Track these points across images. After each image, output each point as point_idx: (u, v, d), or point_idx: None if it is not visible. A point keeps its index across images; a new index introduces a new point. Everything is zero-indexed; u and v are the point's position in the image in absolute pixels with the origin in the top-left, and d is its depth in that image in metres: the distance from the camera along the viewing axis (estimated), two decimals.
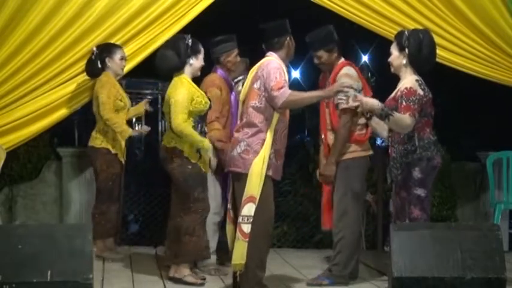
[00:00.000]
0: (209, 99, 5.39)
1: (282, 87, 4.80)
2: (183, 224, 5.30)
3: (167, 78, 5.44)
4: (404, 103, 4.92)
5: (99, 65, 6.10)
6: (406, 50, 5.03)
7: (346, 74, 5.36)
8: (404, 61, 5.05)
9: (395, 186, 5.13)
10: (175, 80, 5.29)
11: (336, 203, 5.45)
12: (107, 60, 6.10)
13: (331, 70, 5.49)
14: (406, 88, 4.96)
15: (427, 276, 4.44)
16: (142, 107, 6.48)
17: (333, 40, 5.46)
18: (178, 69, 5.28)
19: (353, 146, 5.38)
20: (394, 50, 5.10)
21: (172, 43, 5.33)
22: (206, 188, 5.39)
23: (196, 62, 5.31)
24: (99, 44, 6.11)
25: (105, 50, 6.09)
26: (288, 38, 5.00)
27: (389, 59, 5.13)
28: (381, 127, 5.21)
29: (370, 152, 5.54)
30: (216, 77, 5.84)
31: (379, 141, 7.20)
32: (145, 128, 6.50)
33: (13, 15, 5.93)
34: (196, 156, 5.29)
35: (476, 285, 4.44)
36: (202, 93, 5.36)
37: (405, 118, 4.89)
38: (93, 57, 6.07)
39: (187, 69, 5.30)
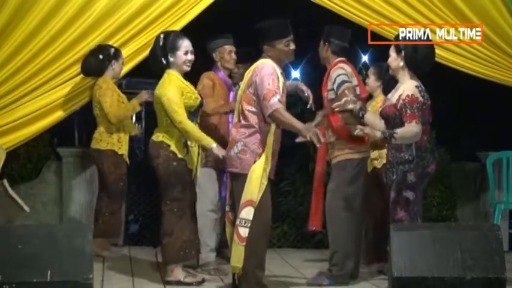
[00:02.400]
0: (201, 97, 5.39)
1: (272, 97, 4.77)
2: (161, 226, 5.30)
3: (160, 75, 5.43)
4: (409, 111, 4.91)
5: (106, 66, 6.12)
6: (403, 53, 5.03)
7: (338, 67, 5.44)
8: (401, 63, 5.06)
9: (390, 189, 5.13)
10: (164, 76, 5.28)
11: (327, 203, 5.47)
12: (113, 62, 6.12)
13: (325, 64, 5.57)
14: (407, 96, 4.95)
15: (427, 276, 4.45)
16: (143, 96, 6.24)
17: (333, 37, 5.50)
18: (159, 66, 5.28)
19: (349, 147, 5.38)
20: (392, 52, 5.11)
21: (154, 42, 5.35)
22: (187, 188, 5.31)
23: (175, 59, 5.26)
24: (100, 44, 6.11)
25: (116, 51, 6.11)
26: (264, 46, 4.93)
27: (388, 61, 5.14)
28: (374, 125, 5.22)
29: (366, 155, 5.53)
30: (212, 74, 5.91)
31: None
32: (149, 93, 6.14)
33: (13, 15, 5.93)
34: (183, 151, 5.26)
35: (476, 285, 4.45)
36: (193, 89, 5.35)
37: (412, 127, 4.88)
38: (100, 56, 6.05)
39: (172, 66, 5.29)
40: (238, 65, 6.02)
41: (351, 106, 5.08)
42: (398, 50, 5.06)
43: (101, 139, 6.21)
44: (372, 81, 6.02)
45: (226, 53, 5.92)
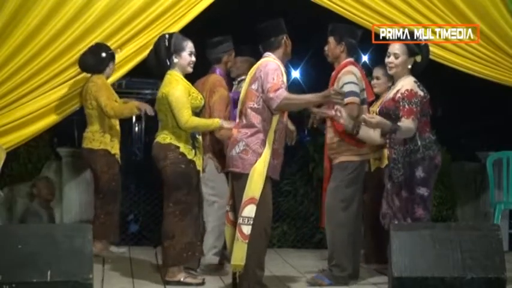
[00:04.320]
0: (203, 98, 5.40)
1: (278, 89, 4.81)
2: (163, 228, 5.30)
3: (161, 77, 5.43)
4: (407, 106, 4.91)
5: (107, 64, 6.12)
6: (417, 58, 5.03)
7: (349, 71, 5.38)
8: (409, 66, 5.06)
9: (394, 187, 5.12)
10: (168, 77, 5.27)
11: (326, 203, 5.46)
12: (111, 63, 6.15)
13: (334, 64, 5.52)
14: (407, 90, 4.95)
15: (427, 276, 4.45)
16: (145, 106, 6.09)
17: (347, 35, 5.48)
18: (160, 68, 5.28)
19: (350, 149, 5.37)
20: (403, 54, 5.07)
21: (156, 43, 5.34)
22: (192, 191, 5.31)
23: (180, 60, 5.26)
24: (98, 42, 6.10)
25: (114, 53, 6.12)
26: (284, 37, 5.01)
27: (394, 62, 5.08)
28: (370, 137, 5.25)
29: (366, 157, 5.52)
30: (220, 77, 5.87)
31: None
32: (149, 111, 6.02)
33: (13, 15, 5.92)
34: (192, 153, 5.27)
35: (476, 285, 4.45)
36: (195, 90, 5.34)
37: (409, 124, 4.89)
38: (103, 54, 6.05)
39: (175, 67, 5.29)
40: (238, 58, 6.02)
41: (343, 122, 5.10)
42: (412, 53, 5.05)
43: (93, 138, 6.20)
44: (384, 82, 5.97)
45: (232, 56, 5.95)
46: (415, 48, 5.06)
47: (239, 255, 4.84)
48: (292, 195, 7.32)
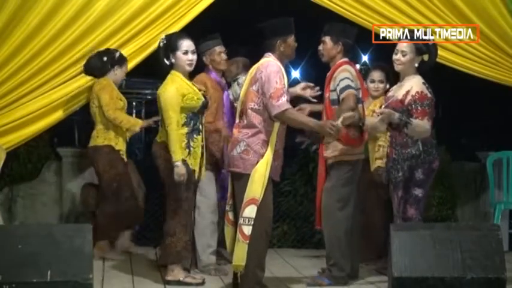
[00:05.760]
0: (205, 97, 5.39)
1: (280, 97, 4.79)
2: (165, 226, 5.32)
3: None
4: (419, 108, 4.91)
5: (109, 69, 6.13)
6: (425, 56, 5.02)
7: (345, 69, 5.38)
8: (416, 64, 5.05)
9: (393, 187, 5.12)
10: (168, 77, 5.30)
11: (323, 203, 5.46)
12: (116, 67, 6.12)
13: (329, 64, 5.51)
14: (417, 92, 4.94)
15: (427, 276, 4.45)
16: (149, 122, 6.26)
17: (343, 36, 5.45)
18: (163, 68, 5.30)
19: (345, 148, 5.36)
20: (411, 52, 5.06)
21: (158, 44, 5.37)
22: (190, 188, 5.32)
23: (176, 60, 5.27)
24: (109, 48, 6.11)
25: (120, 58, 6.12)
26: (278, 41, 4.96)
27: (401, 59, 5.07)
28: (375, 128, 5.23)
29: (360, 157, 5.51)
30: (205, 76, 5.84)
31: None
32: (154, 119, 6.15)
33: (13, 15, 5.93)
34: (184, 152, 5.25)
35: (476, 285, 4.46)
36: (196, 90, 5.33)
37: (424, 124, 4.89)
38: (104, 58, 6.04)
39: (175, 67, 5.29)
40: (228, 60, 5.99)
41: (350, 121, 5.06)
42: (421, 52, 5.04)
43: (97, 136, 6.18)
44: (385, 86, 5.92)
45: (216, 54, 5.85)
46: (423, 47, 5.06)
47: (240, 255, 4.85)
48: (292, 195, 7.32)
